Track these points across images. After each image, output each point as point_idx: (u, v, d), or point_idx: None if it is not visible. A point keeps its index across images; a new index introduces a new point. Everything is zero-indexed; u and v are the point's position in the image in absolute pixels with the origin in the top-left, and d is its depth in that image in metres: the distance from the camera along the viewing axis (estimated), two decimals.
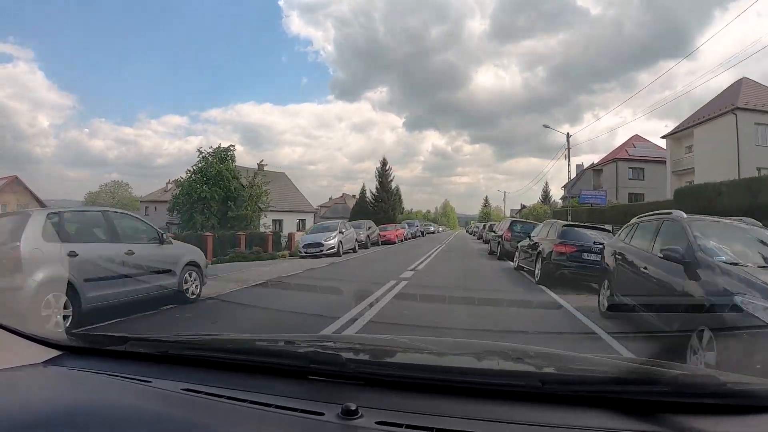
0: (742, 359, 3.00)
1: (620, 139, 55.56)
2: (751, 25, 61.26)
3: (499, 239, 15.24)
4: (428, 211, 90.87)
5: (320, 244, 16.30)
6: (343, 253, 16.51)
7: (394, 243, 23.99)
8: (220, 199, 23.35)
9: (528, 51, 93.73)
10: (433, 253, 17.06)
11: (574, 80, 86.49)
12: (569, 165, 27.70)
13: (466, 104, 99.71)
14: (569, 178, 29.12)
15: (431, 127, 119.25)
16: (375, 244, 22.03)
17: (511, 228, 15.01)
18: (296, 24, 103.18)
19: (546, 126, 30.00)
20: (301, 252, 16.77)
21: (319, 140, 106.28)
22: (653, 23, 68.75)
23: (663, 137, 31.48)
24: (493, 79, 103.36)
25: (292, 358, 1.31)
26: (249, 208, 23.99)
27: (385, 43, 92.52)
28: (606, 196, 31.64)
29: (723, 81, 63.21)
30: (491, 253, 16.80)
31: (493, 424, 0.97)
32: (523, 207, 56.32)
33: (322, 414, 0.98)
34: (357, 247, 18.23)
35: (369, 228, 21.81)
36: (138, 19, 69.08)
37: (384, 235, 23.99)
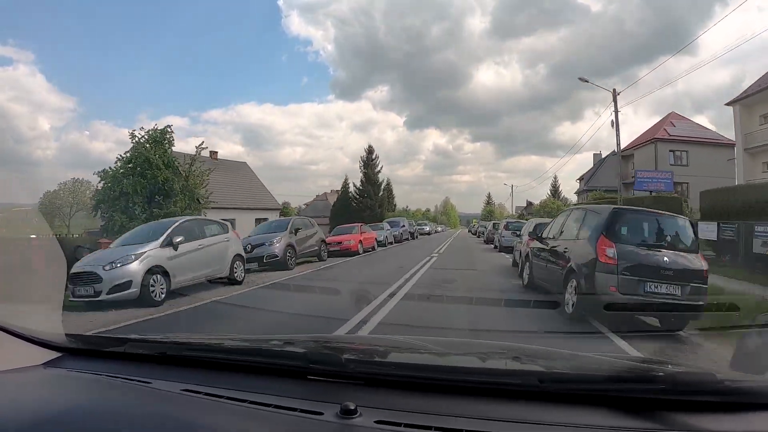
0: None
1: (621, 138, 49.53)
2: (752, 19, 63.97)
3: (569, 265, 6.43)
4: (428, 210, 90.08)
5: (94, 279, 7.26)
6: (182, 290, 8.13)
7: (356, 254, 17.17)
8: (146, 193, 18.95)
9: (529, 48, 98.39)
10: (406, 282, 9.30)
11: (575, 77, 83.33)
12: (617, 133, 19.71)
13: (467, 102, 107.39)
14: (618, 146, 22.41)
15: (432, 126, 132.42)
16: (314, 256, 14.81)
17: (613, 232, 5.95)
18: (296, 24, 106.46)
19: (583, 79, 21.92)
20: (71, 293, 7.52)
21: (320, 140, 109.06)
22: (654, 19, 70.46)
23: (729, 104, 26.66)
24: (494, 76, 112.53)
25: (291, 358, 1.39)
26: (180, 204, 19.28)
27: (385, 42, 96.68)
28: (672, 179, 23.16)
29: (723, 76, 67.30)
30: (530, 286, 8.44)
31: (492, 423, 1.05)
32: (530, 204, 53.16)
33: (321, 413, 1.06)
34: (242, 274, 10.13)
35: (296, 231, 13.68)
36: (137, 20, 71.94)
37: (337, 243, 16.99)
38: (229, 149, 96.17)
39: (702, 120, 79.08)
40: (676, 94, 73.57)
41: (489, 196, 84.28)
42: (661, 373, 1.24)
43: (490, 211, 74.82)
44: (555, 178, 53.28)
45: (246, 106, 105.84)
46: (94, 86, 76.40)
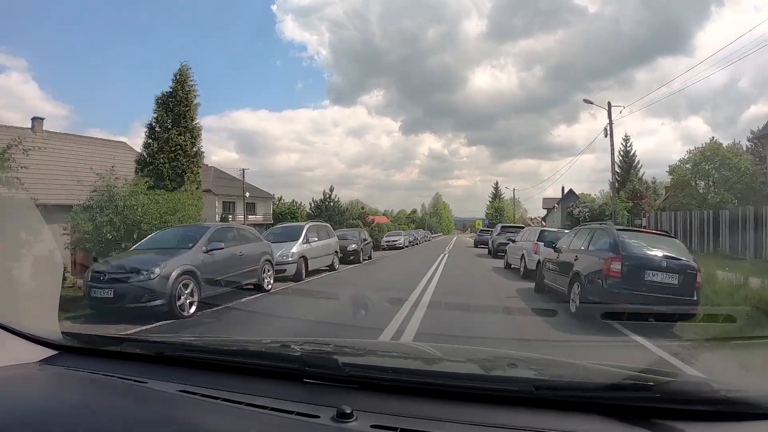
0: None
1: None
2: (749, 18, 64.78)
3: None
4: (414, 211, 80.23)
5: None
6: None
7: None
8: None
9: (525, 50, 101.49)
10: None
11: (572, 79, 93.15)
12: None
13: (462, 106, 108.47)
14: None
15: (428, 130, 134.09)
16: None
17: None
18: (290, 29, 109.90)
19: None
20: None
21: (314, 146, 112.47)
22: (650, 20, 73.06)
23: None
24: (490, 79, 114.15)
25: (288, 361, 1.40)
26: None
27: (380, 46, 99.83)
28: None
29: (720, 77, 64.32)
30: None
31: (488, 428, 1.07)
32: (570, 193, 38.25)
33: (317, 417, 1.08)
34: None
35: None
36: (131, 28, 74.77)
37: None
38: (223, 156, 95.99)
39: (697, 121, 77.65)
40: (673, 95, 73.63)
41: (497, 186, 66.02)
42: (655, 382, 1.26)
43: (498, 208, 57.40)
44: (626, 140, 35.18)
45: (240, 112, 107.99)
46: (88, 94, 77.36)
